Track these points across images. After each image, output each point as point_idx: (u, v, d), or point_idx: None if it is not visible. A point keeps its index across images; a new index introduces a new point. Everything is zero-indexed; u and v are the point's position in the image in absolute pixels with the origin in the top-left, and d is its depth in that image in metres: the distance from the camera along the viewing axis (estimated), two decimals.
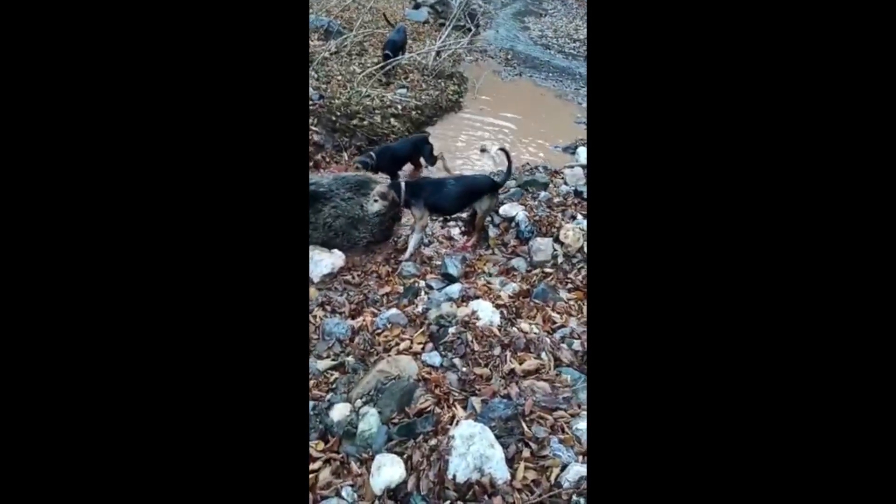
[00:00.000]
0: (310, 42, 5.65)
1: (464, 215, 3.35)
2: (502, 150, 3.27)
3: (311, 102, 4.21)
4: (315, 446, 1.66)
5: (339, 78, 4.88)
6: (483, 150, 4.57)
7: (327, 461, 1.62)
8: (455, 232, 3.45)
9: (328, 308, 2.59)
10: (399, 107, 4.78)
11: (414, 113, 4.84)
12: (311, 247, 2.90)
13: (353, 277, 2.88)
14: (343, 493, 1.51)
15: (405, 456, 1.58)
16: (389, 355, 2.06)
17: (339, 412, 1.77)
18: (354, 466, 1.59)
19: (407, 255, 3.02)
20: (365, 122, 4.39)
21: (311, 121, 4.10)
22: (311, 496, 1.51)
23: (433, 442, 1.63)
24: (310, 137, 4.02)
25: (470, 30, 7.41)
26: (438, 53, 6.04)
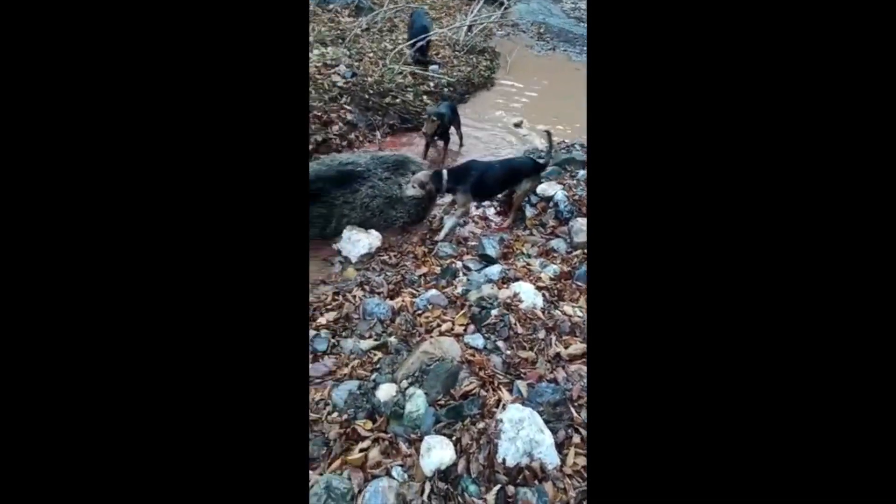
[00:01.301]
0: (341, 18, 5.57)
1: (499, 196, 3.29)
2: (547, 132, 3.17)
3: (343, 80, 4.16)
4: (363, 425, 1.67)
5: (371, 55, 4.80)
6: (517, 126, 4.46)
7: (376, 440, 1.63)
8: (490, 212, 3.39)
9: (367, 288, 2.59)
10: (431, 84, 4.69)
11: (446, 90, 4.75)
12: (348, 227, 2.89)
13: (390, 258, 2.87)
14: (393, 473, 1.52)
15: (454, 438, 1.58)
16: (432, 336, 2.05)
17: (386, 392, 1.77)
18: (403, 447, 1.59)
19: (442, 235, 2.99)
20: (398, 100, 4.33)
21: (344, 99, 4.07)
22: (361, 474, 1.53)
23: (481, 425, 1.62)
24: (342, 116, 3.99)
25: (501, 3, 7.17)
26: (470, 28, 5.88)
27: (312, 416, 1.76)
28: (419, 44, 4.71)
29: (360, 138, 4.06)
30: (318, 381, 1.93)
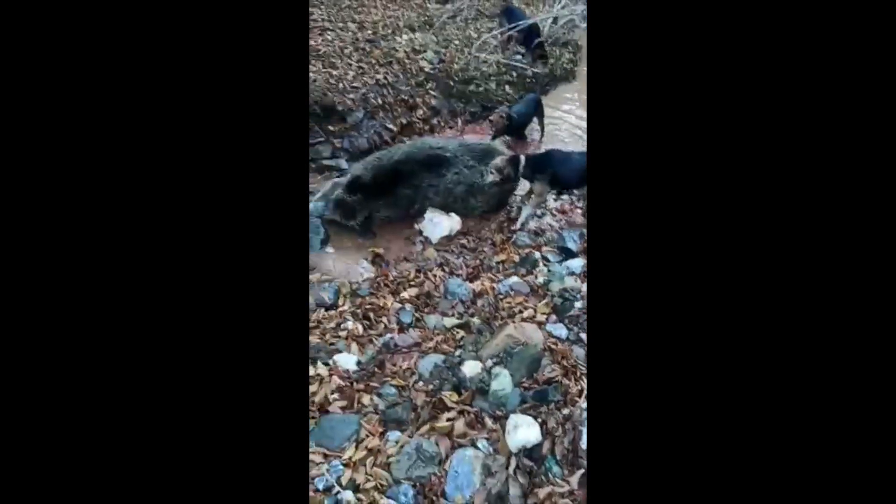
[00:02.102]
0: (428, 5, 5.64)
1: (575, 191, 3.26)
2: None
3: (430, 66, 4.24)
4: (449, 396, 1.75)
5: (457, 43, 4.85)
6: None
7: (461, 412, 1.71)
8: (567, 205, 3.37)
9: (446, 269, 2.68)
10: (514, 74, 4.68)
11: (528, 81, 4.73)
12: (430, 209, 2.98)
13: (469, 242, 2.93)
14: (479, 444, 1.59)
15: (539, 420, 1.62)
16: (514, 321, 2.10)
17: (471, 369, 1.84)
18: (489, 421, 1.66)
19: (518, 224, 3.02)
20: (481, 89, 4.36)
21: (429, 84, 4.15)
22: (448, 442, 1.60)
23: (566, 411, 1.65)
24: (427, 101, 4.08)
25: None
26: (555, 20, 5.79)
27: (400, 381, 1.86)
28: (522, 33, 4.69)
29: (442, 123, 4.13)
30: (404, 350, 2.03)
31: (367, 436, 1.67)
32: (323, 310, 2.30)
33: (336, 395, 1.80)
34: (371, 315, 2.26)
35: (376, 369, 1.93)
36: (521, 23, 4.66)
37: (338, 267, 2.66)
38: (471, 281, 2.56)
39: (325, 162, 3.34)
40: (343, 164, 3.41)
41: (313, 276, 2.53)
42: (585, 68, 5.36)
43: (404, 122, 3.88)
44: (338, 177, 3.28)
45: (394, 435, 1.66)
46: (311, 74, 3.61)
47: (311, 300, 2.39)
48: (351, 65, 3.93)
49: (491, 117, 3.62)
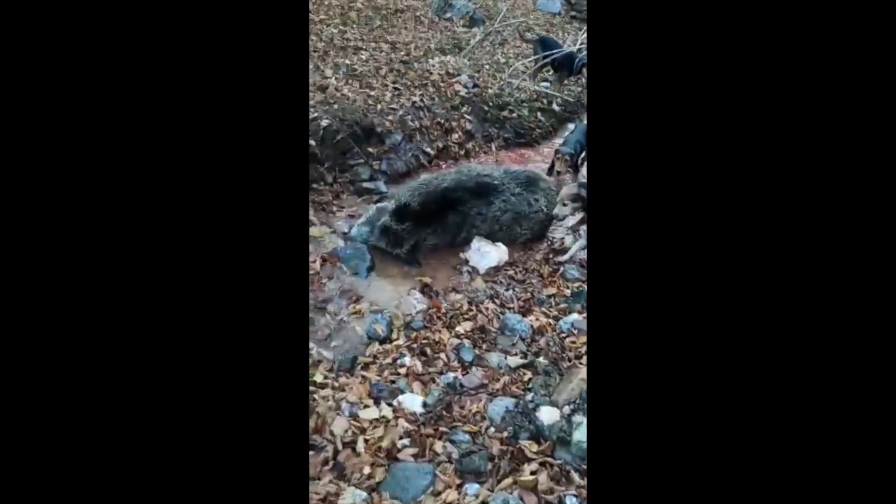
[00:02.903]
0: (456, 28, 5.67)
1: None
2: None
3: (466, 90, 4.22)
4: (529, 447, 1.65)
5: (487, 67, 4.85)
6: None
7: (543, 464, 1.61)
8: None
9: (497, 301, 2.59)
10: (545, 101, 4.68)
11: (558, 108, 4.72)
12: (476, 238, 2.91)
13: (516, 273, 2.85)
14: (567, 501, 1.49)
15: None
16: (583, 363, 2.01)
17: (549, 416, 1.75)
18: (575, 476, 1.56)
19: (567, 256, 2.95)
20: (514, 115, 4.34)
21: (464, 108, 4.12)
22: (534, 498, 1.50)
23: None
24: (462, 125, 4.04)
25: None
26: (580, 49, 5.84)
27: (471, 427, 1.76)
28: (556, 61, 4.70)
29: (476, 148, 4.09)
30: (471, 391, 1.93)
31: (445, 488, 1.56)
32: (377, 343, 2.20)
33: (405, 441, 1.70)
34: (428, 351, 2.17)
35: (444, 412, 1.82)
36: (555, 51, 4.67)
37: (385, 296, 2.57)
38: (523, 315, 2.47)
39: (365, 185, 3.27)
40: (382, 186, 3.34)
41: (362, 305, 2.43)
42: None
43: (440, 145, 3.83)
44: (377, 200, 3.21)
45: (472, 488, 1.55)
46: (349, 94, 3.57)
47: (363, 331, 2.30)
48: (387, 86, 3.89)
49: (556, 157, 3.53)
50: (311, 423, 1.73)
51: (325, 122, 3.15)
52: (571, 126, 4.47)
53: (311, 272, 2.57)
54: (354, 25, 4.82)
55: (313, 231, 2.85)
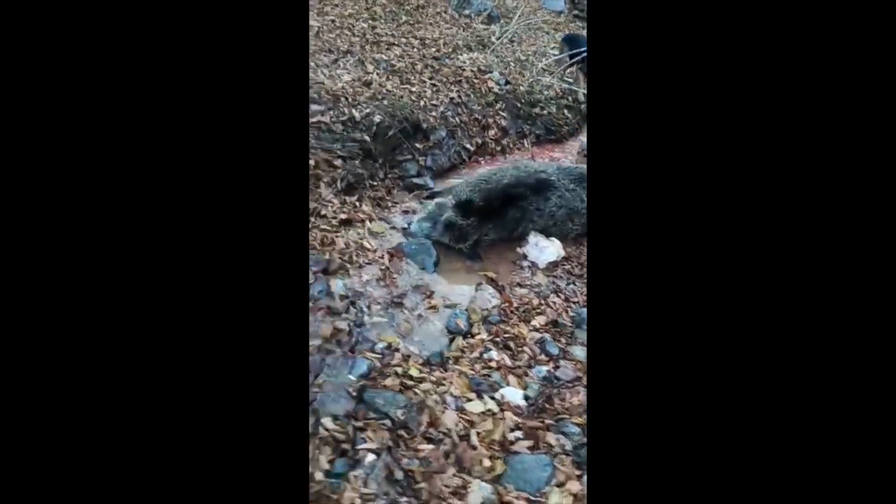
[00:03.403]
0: (476, 25, 5.67)
1: None
2: None
3: (498, 87, 4.24)
4: None
5: (512, 63, 4.88)
6: None
7: None
8: None
9: (561, 296, 2.64)
10: (570, 98, 4.73)
11: (583, 106, 4.79)
12: (532, 233, 2.94)
13: (573, 268, 2.90)
14: None
15: None
16: None
17: None
18: None
19: None
20: (545, 112, 4.39)
21: (499, 105, 4.14)
22: None
23: None
24: (497, 122, 4.07)
25: None
26: None
27: (578, 419, 1.79)
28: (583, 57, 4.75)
29: (511, 145, 4.13)
30: (569, 384, 1.97)
31: (567, 479, 1.60)
32: (460, 338, 2.22)
33: (518, 434, 1.73)
34: (511, 345, 2.20)
35: (545, 405, 1.86)
36: (582, 50, 4.72)
37: (453, 291, 2.59)
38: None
39: (415, 180, 3.27)
40: (430, 182, 3.34)
41: (436, 300, 2.45)
42: None
43: (479, 141, 3.85)
44: (427, 196, 3.21)
45: None
46: (392, 90, 3.56)
47: (442, 326, 2.31)
48: (425, 82, 3.89)
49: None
50: (425, 418, 1.75)
51: (377, 118, 3.14)
52: None
53: (380, 267, 2.57)
54: (382, 21, 4.78)
55: (374, 227, 2.85)
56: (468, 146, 3.76)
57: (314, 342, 2.09)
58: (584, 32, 5.82)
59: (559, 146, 4.44)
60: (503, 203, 2.79)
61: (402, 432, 1.72)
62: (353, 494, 1.52)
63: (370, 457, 1.62)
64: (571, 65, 4.81)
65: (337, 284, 2.37)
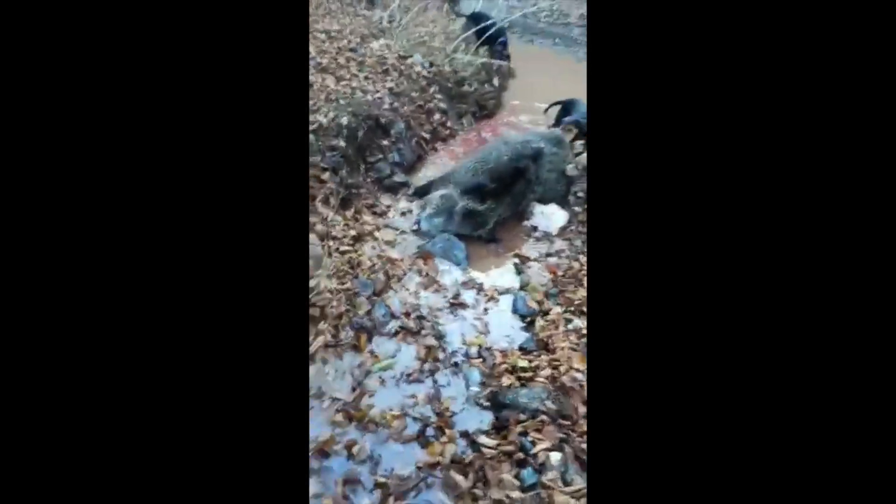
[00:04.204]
0: (359, 11, 5.43)
1: None
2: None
3: (425, 70, 4.15)
4: None
5: (424, 47, 4.79)
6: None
7: None
8: None
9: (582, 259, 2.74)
10: (483, 73, 4.82)
11: (497, 80, 4.91)
12: (533, 203, 2.99)
13: (578, 227, 3.03)
14: None
15: None
16: None
17: None
18: None
19: None
20: (473, 88, 4.41)
21: (432, 89, 4.06)
22: None
23: None
24: (437, 105, 3.99)
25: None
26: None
27: None
28: (493, 36, 4.78)
29: (453, 125, 4.09)
30: None
31: None
32: (539, 318, 2.21)
33: None
34: (586, 308, 2.24)
35: None
36: (487, 24, 4.82)
37: (496, 276, 2.54)
38: None
39: (395, 179, 3.08)
40: (402, 178, 3.18)
41: (490, 291, 2.38)
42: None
43: (430, 127, 3.75)
44: (413, 193, 3.07)
45: None
46: (334, 87, 3.27)
47: (510, 312, 2.27)
48: (357, 76, 3.64)
49: (563, 129, 3.63)
50: (576, 401, 1.72)
51: (344, 120, 2.87)
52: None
53: (418, 274, 2.41)
54: None
55: (384, 235, 2.64)
56: (424, 135, 3.64)
57: (412, 365, 1.91)
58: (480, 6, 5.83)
59: (493, 119, 4.52)
60: (513, 180, 2.79)
61: (561, 421, 1.68)
62: (564, 498, 1.45)
63: (554, 455, 1.56)
64: (483, 43, 4.88)
65: (394, 303, 2.17)
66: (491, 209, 2.68)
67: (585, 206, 3.11)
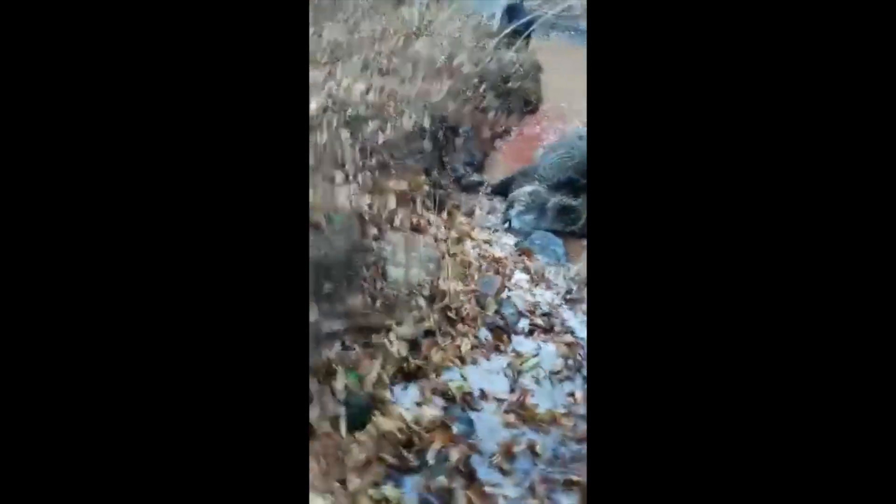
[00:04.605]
0: (389, 10, 5.39)
1: None
2: None
3: (473, 68, 4.14)
4: None
5: (465, 45, 4.78)
6: None
7: None
8: None
9: None
10: (520, 69, 4.83)
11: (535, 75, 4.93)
12: None
13: None
14: None
15: None
16: None
17: None
18: None
19: None
20: (517, 85, 4.42)
21: (482, 87, 4.06)
22: None
23: None
24: (490, 104, 3.99)
25: None
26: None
27: None
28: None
29: (506, 123, 4.10)
30: None
31: None
32: None
33: None
34: None
35: None
36: (527, 19, 4.82)
37: None
38: None
39: (473, 178, 3.09)
40: (476, 177, 3.19)
41: None
42: None
43: (489, 126, 3.76)
44: (491, 191, 3.08)
45: None
46: (396, 90, 3.26)
47: None
48: (416, 78, 3.63)
49: None
50: None
51: (426, 122, 2.86)
52: None
53: (524, 271, 2.42)
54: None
55: (479, 234, 2.64)
56: (485, 133, 3.64)
57: (557, 363, 1.92)
58: None
59: (536, 114, 4.54)
60: None
61: None
62: None
63: None
64: (527, 35, 4.88)
65: (519, 302, 2.18)
66: (582, 204, 2.70)
67: None
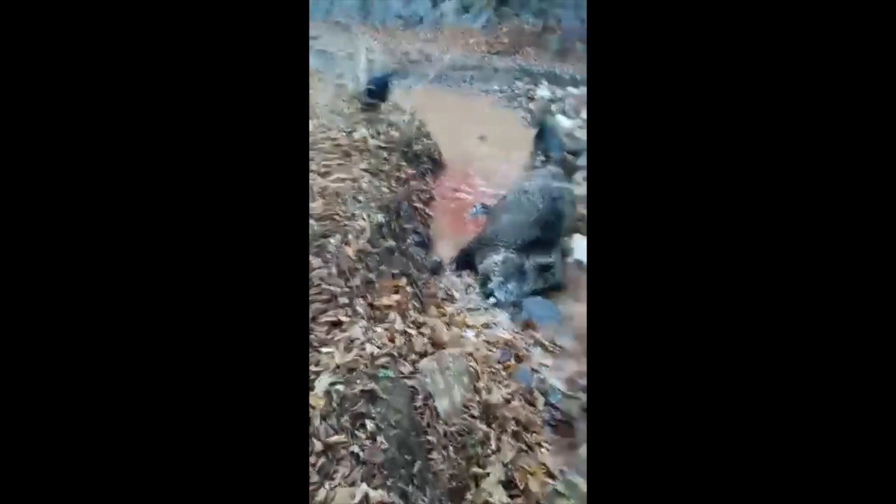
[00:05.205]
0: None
1: None
2: None
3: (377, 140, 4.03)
4: None
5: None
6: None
7: None
8: None
9: None
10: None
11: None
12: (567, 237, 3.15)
13: None
14: None
15: None
16: None
17: None
18: None
19: None
20: (420, 145, 4.43)
21: (393, 158, 3.98)
22: None
23: None
24: (403, 172, 3.93)
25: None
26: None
27: None
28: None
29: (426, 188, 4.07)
30: None
31: None
32: None
33: None
34: None
35: None
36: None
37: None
38: None
39: (435, 258, 2.97)
40: (436, 256, 3.09)
41: None
42: None
43: (417, 196, 3.69)
44: (455, 267, 2.99)
45: None
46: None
47: None
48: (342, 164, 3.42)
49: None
50: None
51: (380, 218, 2.68)
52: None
53: (538, 346, 2.38)
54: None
55: (473, 319, 2.54)
56: (419, 205, 3.57)
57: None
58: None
59: (446, 171, 4.59)
60: (557, 223, 2.93)
61: None
62: None
63: None
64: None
65: (557, 383, 2.14)
66: (555, 259, 2.76)
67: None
